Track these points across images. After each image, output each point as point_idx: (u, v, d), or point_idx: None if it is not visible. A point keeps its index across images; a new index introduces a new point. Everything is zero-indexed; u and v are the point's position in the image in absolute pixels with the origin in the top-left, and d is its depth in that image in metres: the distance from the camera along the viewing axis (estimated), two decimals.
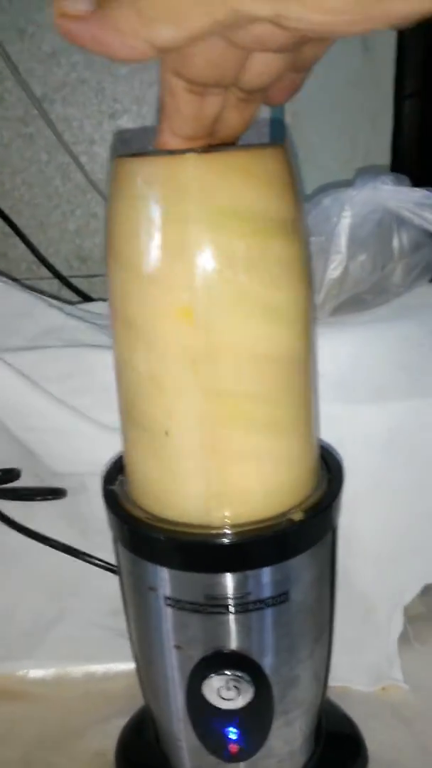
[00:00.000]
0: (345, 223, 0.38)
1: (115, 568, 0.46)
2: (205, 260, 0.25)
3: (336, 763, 0.37)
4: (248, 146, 0.25)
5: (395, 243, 0.43)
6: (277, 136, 0.56)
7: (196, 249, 0.24)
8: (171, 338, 0.26)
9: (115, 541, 0.32)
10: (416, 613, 0.47)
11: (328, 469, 0.33)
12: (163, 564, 0.29)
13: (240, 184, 0.24)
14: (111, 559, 0.46)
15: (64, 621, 0.47)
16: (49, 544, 0.45)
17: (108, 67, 0.59)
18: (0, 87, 0.59)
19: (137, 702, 0.41)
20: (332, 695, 0.41)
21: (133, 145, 0.62)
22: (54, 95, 0.60)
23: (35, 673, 0.45)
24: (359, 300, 0.43)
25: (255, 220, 0.24)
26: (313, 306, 0.29)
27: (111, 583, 0.46)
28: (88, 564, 0.46)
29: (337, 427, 0.38)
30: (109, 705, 0.43)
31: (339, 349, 0.42)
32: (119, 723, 0.41)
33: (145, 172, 0.25)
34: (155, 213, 0.25)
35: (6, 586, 0.47)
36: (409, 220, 0.39)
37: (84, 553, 0.46)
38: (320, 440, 0.33)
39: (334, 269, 0.39)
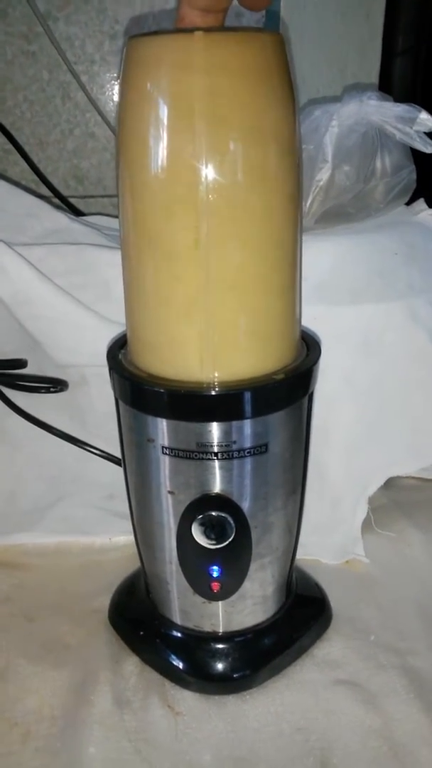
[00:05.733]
0: (333, 133, 0.41)
1: (111, 457, 0.50)
2: (208, 129, 0.28)
3: (305, 616, 0.43)
4: (250, 29, 0.29)
5: (378, 163, 0.47)
6: (273, 26, 0.59)
7: (200, 121, 0.28)
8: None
9: (118, 401, 0.36)
10: (379, 504, 0.53)
11: (308, 348, 0.37)
12: (161, 416, 0.33)
13: (242, 60, 0.28)
14: (108, 449, 0.50)
15: (63, 502, 0.51)
16: (52, 432, 0.50)
17: None
18: (3, 1, 0.61)
19: (129, 570, 0.46)
20: (304, 566, 0.47)
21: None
22: (57, 13, 0.61)
23: (36, 545, 0.50)
24: (342, 212, 0.47)
25: (254, 93, 0.28)
26: (301, 196, 0.33)
27: (108, 471, 0.51)
28: (87, 453, 0.51)
29: (316, 327, 0.43)
30: (104, 573, 0.47)
31: (321, 255, 0.46)
32: (113, 587, 0.46)
33: (155, 49, 0.28)
34: (164, 87, 0.28)
35: (9, 469, 0.51)
36: (391, 134, 0.43)
37: (84, 442, 0.50)
38: (303, 326, 0.38)
39: (321, 176, 0.42)
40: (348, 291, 0.46)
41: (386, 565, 0.48)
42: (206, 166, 0.29)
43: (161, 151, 0.29)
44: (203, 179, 0.29)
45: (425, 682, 0.39)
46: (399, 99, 0.65)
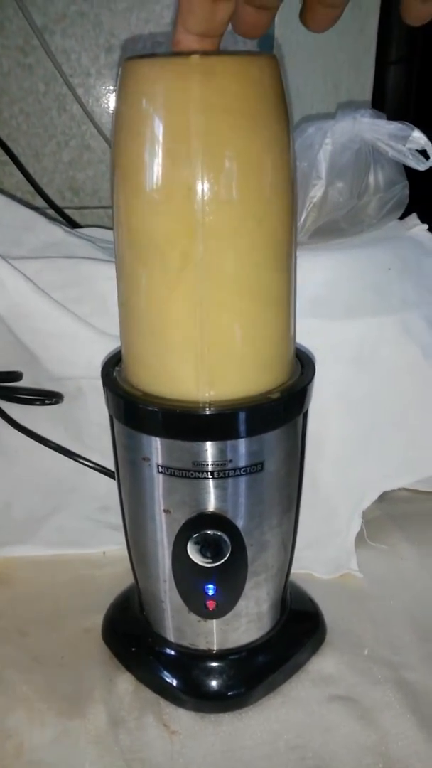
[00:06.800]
0: (326, 150, 0.42)
1: (106, 470, 0.50)
2: (204, 150, 0.28)
3: (300, 632, 0.43)
4: (245, 52, 0.29)
5: (371, 179, 0.47)
6: (266, 48, 0.59)
7: (196, 142, 0.28)
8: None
9: (112, 420, 0.36)
10: (372, 516, 0.53)
11: (302, 365, 0.37)
12: (156, 435, 0.33)
13: (237, 83, 0.28)
14: (104, 462, 0.50)
15: (57, 514, 0.51)
16: (46, 445, 0.50)
17: (107, 1, 0.61)
18: (0, 15, 0.61)
19: (124, 585, 0.46)
20: (298, 580, 0.47)
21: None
22: (53, 26, 0.62)
23: (30, 558, 0.50)
24: (336, 228, 0.48)
25: (249, 115, 0.28)
26: (295, 214, 0.34)
27: (102, 483, 0.51)
28: (81, 465, 0.51)
29: (310, 341, 0.43)
30: (97, 589, 0.47)
31: (315, 269, 0.46)
32: (107, 603, 0.46)
33: (152, 72, 0.28)
34: (160, 109, 0.28)
35: (4, 480, 0.51)
36: (384, 151, 0.43)
37: (78, 455, 0.50)
38: (297, 343, 0.38)
39: (314, 193, 0.42)
40: (342, 305, 0.46)
41: (379, 578, 0.48)
42: (202, 186, 0.29)
43: (156, 170, 0.29)
44: (198, 199, 0.29)
45: (419, 696, 0.39)
46: (392, 107, 0.65)
